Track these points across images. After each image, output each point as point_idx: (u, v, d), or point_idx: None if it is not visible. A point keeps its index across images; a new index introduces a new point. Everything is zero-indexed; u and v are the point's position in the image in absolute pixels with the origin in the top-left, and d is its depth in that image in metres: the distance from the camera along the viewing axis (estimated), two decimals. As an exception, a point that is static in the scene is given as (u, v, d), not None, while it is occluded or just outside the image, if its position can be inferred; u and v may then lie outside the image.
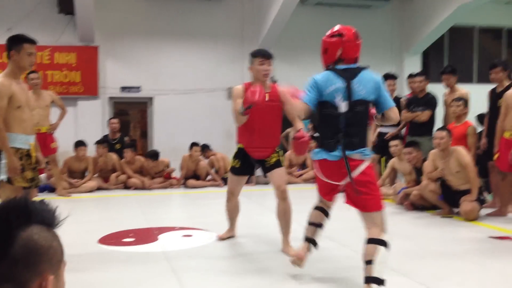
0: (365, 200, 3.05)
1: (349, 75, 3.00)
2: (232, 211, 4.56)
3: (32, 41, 3.72)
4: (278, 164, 4.14)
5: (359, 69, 3.05)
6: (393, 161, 6.79)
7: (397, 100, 7.27)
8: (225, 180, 8.70)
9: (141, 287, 3.20)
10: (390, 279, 3.29)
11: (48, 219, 1.02)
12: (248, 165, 4.23)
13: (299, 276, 3.42)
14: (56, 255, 1.01)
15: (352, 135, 2.98)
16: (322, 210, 3.48)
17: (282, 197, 4.12)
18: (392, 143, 6.66)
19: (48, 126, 7.21)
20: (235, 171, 4.26)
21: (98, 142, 8.23)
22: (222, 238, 4.53)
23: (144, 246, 4.33)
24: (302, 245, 3.46)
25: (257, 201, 6.90)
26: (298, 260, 3.39)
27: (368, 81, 3.01)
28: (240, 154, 4.21)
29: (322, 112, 3.05)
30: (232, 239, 4.58)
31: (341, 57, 3.08)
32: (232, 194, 4.44)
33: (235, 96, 4.13)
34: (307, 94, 3.03)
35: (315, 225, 3.47)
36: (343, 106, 2.98)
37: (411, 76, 7.06)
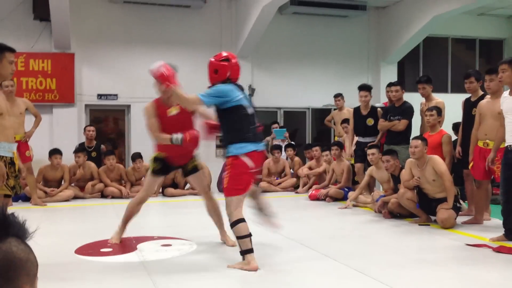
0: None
1: (242, 89, 3.97)
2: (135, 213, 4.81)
3: (13, 50, 3.71)
4: (196, 169, 4.68)
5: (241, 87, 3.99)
6: (370, 170, 6.87)
7: (373, 109, 7.37)
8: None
9: (120, 299, 3.15)
10: (371, 286, 3.32)
11: (22, 232, 1.02)
12: (166, 167, 4.65)
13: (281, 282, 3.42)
14: (33, 268, 1.01)
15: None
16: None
17: (208, 197, 4.74)
18: (370, 151, 6.74)
19: (22, 134, 7.08)
20: (156, 172, 4.60)
21: (77, 151, 8.10)
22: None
23: (122, 256, 4.26)
24: (249, 258, 3.74)
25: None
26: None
27: None
28: (160, 159, 4.57)
29: (236, 113, 3.79)
30: (213, 247, 4.55)
31: (229, 77, 3.94)
32: (147, 196, 4.76)
33: (149, 115, 4.47)
34: (209, 97, 3.79)
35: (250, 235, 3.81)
36: (249, 110, 3.86)
37: (389, 85, 7.17)
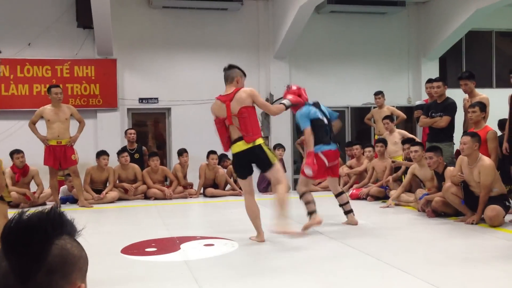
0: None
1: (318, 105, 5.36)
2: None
3: None
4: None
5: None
6: (413, 168, 6.74)
7: None
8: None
9: (165, 297, 3.22)
10: (417, 286, 3.27)
11: (74, 230, 1.06)
12: None
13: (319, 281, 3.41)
14: (85, 265, 1.05)
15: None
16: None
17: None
18: (413, 148, 6.61)
19: (68, 139, 7.33)
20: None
21: (122, 151, 8.33)
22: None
23: (166, 255, 4.35)
24: (313, 216, 5.07)
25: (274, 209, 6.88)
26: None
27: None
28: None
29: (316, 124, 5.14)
30: (255, 246, 4.58)
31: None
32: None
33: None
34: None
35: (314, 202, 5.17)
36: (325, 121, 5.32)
37: (429, 81, 7.02)
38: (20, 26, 9.99)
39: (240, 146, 4.57)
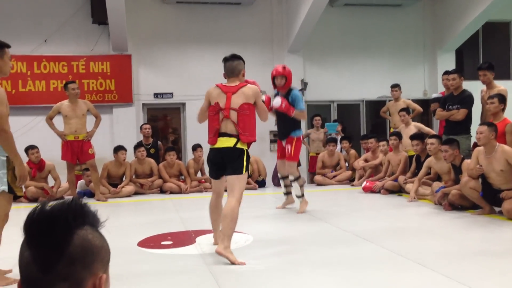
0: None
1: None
2: None
3: (9, 46, 3.60)
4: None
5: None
6: (429, 161, 6.68)
7: None
8: (259, 183, 8.73)
9: (181, 289, 3.24)
10: (430, 279, 3.25)
11: (96, 221, 1.06)
12: None
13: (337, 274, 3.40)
14: (107, 255, 1.05)
15: None
16: None
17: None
18: (429, 140, 6.55)
19: (85, 134, 7.41)
20: None
21: (137, 146, 8.40)
22: None
23: (182, 248, 4.38)
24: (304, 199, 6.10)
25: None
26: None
27: None
28: None
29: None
30: (269, 240, 4.60)
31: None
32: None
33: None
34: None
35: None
36: None
37: (446, 73, 6.95)
38: (37, 23, 10.11)
39: (223, 142, 4.10)
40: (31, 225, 0.98)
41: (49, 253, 0.96)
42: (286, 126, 5.89)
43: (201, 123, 4.43)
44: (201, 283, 3.39)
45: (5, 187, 3.45)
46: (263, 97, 4.90)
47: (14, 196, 3.60)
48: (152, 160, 8.40)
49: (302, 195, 6.05)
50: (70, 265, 0.96)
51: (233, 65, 4.33)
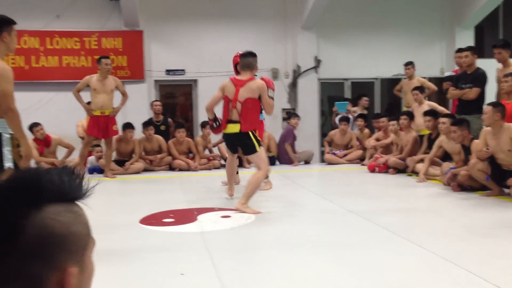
0: None
1: None
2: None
3: (16, 23, 3.58)
4: None
5: None
6: (440, 140, 6.56)
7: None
8: (270, 159, 8.70)
9: (175, 266, 3.24)
10: (430, 261, 3.19)
11: (70, 193, 0.82)
12: None
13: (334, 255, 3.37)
14: (78, 242, 0.81)
15: None
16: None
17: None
18: (441, 120, 6.41)
19: (111, 109, 7.43)
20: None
21: (146, 125, 8.41)
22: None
23: (183, 226, 4.39)
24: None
25: (296, 181, 6.85)
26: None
27: None
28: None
29: None
30: (271, 219, 4.58)
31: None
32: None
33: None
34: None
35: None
36: None
37: (459, 50, 6.76)
38: (49, -2, 10.09)
39: (231, 128, 4.96)
40: None
41: None
42: None
43: (209, 109, 5.14)
44: (196, 260, 3.38)
45: (10, 164, 3.48)
46: (272, 93, 5.20)
47: None
48: (160, 137, 8.41)
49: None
50: (23, 260, 0.75)
51: (249, 61, 5.01)
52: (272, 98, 5.14)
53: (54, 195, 0.79)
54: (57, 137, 7.98)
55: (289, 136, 8.94)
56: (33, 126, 7.68)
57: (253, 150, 4.90)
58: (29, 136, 7.78)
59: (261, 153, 4.94)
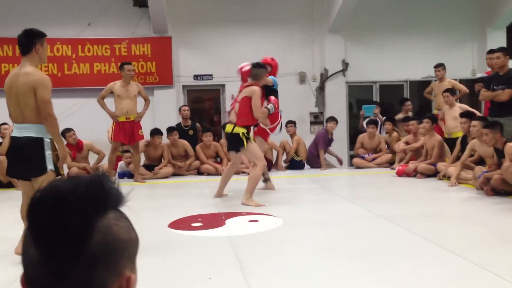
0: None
1: None
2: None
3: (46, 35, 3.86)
4: None
5: None
6: (473, 143, 6.42)
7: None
8: (296, 164, 8.67)
9: (203, 271, 3.26)
10: (463, 268, 3.12)
11: (120, 199, 0.83)
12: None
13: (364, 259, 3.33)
14: (135, 247, 0.83)
15: None
16: None
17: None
18: (472, 123, 6.28)
19: (136, 115, 7.54)
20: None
21: (170, 130, 8.48)
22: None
23: (211, 230, 4.41)
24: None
25: (324, 185, 6.81)
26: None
27: None
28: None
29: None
30: (298, 224, 4.56)
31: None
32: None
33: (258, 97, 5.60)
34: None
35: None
36: None
37: (490, 52, 6.61)
38: (80, 7, 10.33)
39: (227, 128, 5.62)
40: (36, 214, 0.75)
41: (63, 254, 0.74)
42: None
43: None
44: (224, 265, 3.39)
45: (51, 166, 3.70)
46: (271, 106, 5.82)
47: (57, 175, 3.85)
48: (185, 142, 8.46)
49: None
50: (91, 267, 0.75)
51: (257, 71, 5.66)
52: (268, 110, 5.79)
53: (113, 201, 0.81)
54: (89, 142, 8.14)
55: (321, 141, 8.90)
56: (66, 132, 7.85)
57: (242, 147, 5.46)
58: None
59: (253, 149, 5.49)
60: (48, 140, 3.70)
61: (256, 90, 5.51)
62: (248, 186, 5.47)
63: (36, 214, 0.75)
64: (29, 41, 3.70)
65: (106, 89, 7.53)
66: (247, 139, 5.46)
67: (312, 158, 8.88)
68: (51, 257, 0.74)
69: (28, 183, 3.81)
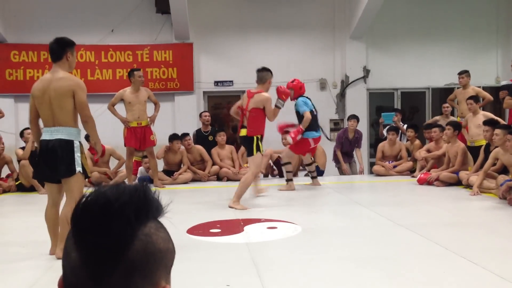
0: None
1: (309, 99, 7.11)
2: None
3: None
4: None
5: None
6: (496, 151, 6.30)
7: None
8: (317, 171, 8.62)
9: (221, 277, 3.26)
10: (485, 279, 3.06)
11: (160, 210, 0.84)
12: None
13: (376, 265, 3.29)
14: (172, 258, 0.84)
15: None
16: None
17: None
18: (495, 131, 6.17)
19: (147, 120, 7.61)
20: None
21: (183, 136, 8.48)
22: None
23: (229, 237, 4.41)
24: (290, 183, 7.03)
25: (344, 193, 6.76)
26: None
27: None
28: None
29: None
30: (317, 231, 4.53)
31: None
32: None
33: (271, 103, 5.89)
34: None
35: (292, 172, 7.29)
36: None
37: (515, 59, 6.49)
38: (104, 14, 10.49)
39: (242, 132, 5.89)
40: (82, 218, 0.77)
41: (104, 259, 0.75)
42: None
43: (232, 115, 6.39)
44: (243, 272, 3.39)
45: (80, 168, 3.83)
46: (279, 102, 5.92)
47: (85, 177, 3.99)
48: (200, 147, 8.49)
49: (290, 180, 7.09)
50: (129, 275, 0.76)
51: (262, 74, 5.90)
52: (278, 107, 5.88)
53: (154, 211, 0.82)
54: (110, 147, 8.23)
55: (336, 141, 8.98)
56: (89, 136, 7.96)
57: (251, 154, 5.76)
58: (85, 145, 8.09)
59: (256, 158, 5.76)
60: (78, 143, 3.85)
61: (267, 99, 5.76)
62: (237, 190, 5.71)
63: (81, 219, 0.77)
64: (61, 49, 3.86)
65: (116, 96, 7.59)
66: (258, 148, 5.75)
67: (335, 159, 9.00)
68: (92, 261, 0.75)
69: (54, 186, 3.92)
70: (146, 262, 0.77)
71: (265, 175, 8.92)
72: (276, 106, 5.89)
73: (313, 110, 7.00)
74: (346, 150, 8.94)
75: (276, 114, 5.89)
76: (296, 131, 6.84)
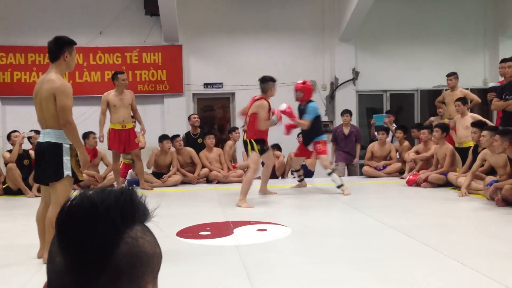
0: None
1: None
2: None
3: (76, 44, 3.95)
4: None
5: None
6: (484, 153, 6.35)
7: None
8: (306, 173, 8.63)
9: (210, 280, 3.24)
10: (473, 280, 3.08)
11: (147, 214, 0.82)
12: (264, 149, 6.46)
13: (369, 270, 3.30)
14: (158, 262, 0.82)
15: None
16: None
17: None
18: (483, 133, 6.22)
19: (131, 123, 7.56)
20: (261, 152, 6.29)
21: (174, 137, 8.45)
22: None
23: (219, 239, 4.39)
24: (343, 188, 6.71)
25: (334, 194, 6.76)
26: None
27: None
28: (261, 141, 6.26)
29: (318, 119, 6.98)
30: (307, 233, 4.53)
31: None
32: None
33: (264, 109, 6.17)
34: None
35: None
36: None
37: (503, 61, 6.56)
38: (92, 15, 10.42)
39: (244, 136, 6.34)
40: (66, 223, 0.76)
41: (89, 263, 0.74)
42: (308, 134, 6.95)
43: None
44: (232, 274, 3.38)
45: (69, 172, 3.74)
46: (275, 118, 6.22)
47: (75, 181, 3.89)
48: (191, 149, 8.45)
49: (342, 184, 6.75)
50: (115, 279, 0.75)
51: (263, 86, 6.23)
52: (273, 121, 6.20)
53: (140, 215, 0.80)
54: (103, 151, 8.17)
55: (332, 136, 9.07)
56: (89, 133, 7.91)
57: (248, 154, 6.30)
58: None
59: (253, 156, 6.15)
60: (67, 146, 3.75)
61: (263, 105, 6.09)
62: (241, 189, 6.05)
63: (66, 222, 0.76)
64: (59, 48, 3.74)
65: (103, 102, 7.40)
66: (253, 148, 6.14)
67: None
68: (77, 265, 0.74)
69: (48, 189, 3.85)
70: (132, 266, 0.76)
71: (282, 176, 8.96)
72: (271, 119, 6.20)
73: (319, 114, 7.04)
74: (344, 147, 8.91)
75: (267, 126, 6.19)
76: (290, 126, 6.90)
